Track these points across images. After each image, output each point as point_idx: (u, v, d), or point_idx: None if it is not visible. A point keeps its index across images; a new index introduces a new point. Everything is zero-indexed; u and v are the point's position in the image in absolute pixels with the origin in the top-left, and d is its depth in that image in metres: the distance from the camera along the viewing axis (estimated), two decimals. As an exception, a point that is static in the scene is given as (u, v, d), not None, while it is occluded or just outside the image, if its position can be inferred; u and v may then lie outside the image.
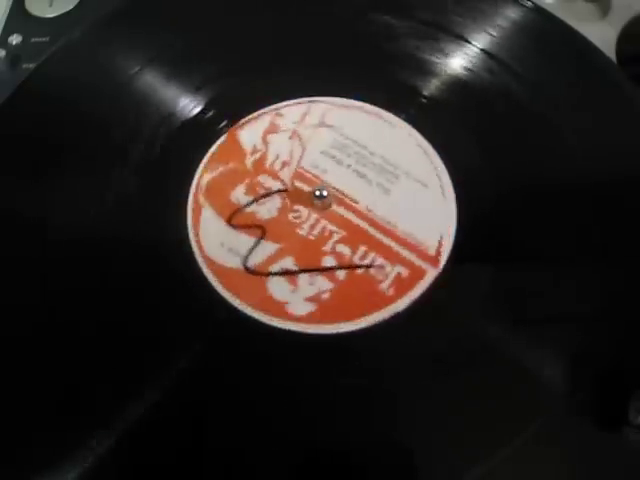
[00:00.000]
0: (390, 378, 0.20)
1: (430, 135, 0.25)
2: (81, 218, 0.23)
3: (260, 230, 0.23)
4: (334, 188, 0.23)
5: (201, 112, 0.26)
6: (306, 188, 0.24)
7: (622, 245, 0.22)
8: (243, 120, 0.25)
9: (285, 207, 0.23)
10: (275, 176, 0.24)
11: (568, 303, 0.21)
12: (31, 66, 0.30)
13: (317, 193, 0.23)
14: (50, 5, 0.34)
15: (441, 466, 0.19)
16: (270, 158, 0.24)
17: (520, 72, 0.26)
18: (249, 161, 0.24)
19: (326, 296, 0.21)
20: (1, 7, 0.34)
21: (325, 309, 0.21)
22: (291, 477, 0.19)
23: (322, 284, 0.22)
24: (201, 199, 0.24)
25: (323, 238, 0.23)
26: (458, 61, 0.26)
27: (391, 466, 0.19)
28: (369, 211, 0.23)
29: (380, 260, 0.22)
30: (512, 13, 0.27)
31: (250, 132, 0.25)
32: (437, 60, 0.26)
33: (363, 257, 0.22)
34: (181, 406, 0.20)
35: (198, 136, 0.25)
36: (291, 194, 0.24)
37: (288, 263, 0.22)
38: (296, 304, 0.21)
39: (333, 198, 0.23)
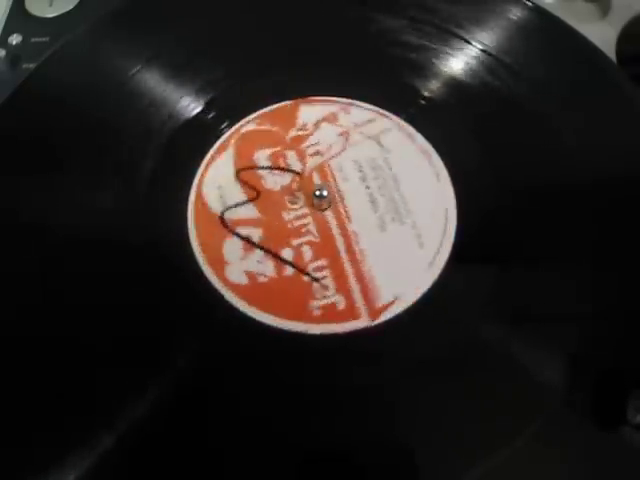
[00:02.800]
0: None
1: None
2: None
3: (255, 194, 0.24)
4: (340, 197, 0.23)
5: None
6: (316, 182, 0.24)
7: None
8: (312, 98, 0.26)
9: (289, 188, 0.24)
10: (302, 158, 0.24)
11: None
12: (31, 66, 0.30)
13: (317, 193, 0.23)
14: (50, 5, 0.34)
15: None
16: (309, 141, 0.25)
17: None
18: (291, 134, 0.25)
19: (262, 280, 0.22)
20: (1, 7, 0.34)
21: (254, 290, 0.21)
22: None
23: (267, 268, 0.22)
24: (232, 141, 0.25)
25: (298, 232, 0.23)
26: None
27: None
28: (354, 234, 0.23)
29: (329, 281, 0.22)
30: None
31: (311, 111, 0.26)
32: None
33: (317, 269, 0.22)
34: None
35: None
36: (302, 180, 0.24)
37: (255, 234, 0.23)
38: (234, 270, 0.22)
39: (332, 205, 0.23)
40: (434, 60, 0.26)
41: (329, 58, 0.27)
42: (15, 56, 0.32)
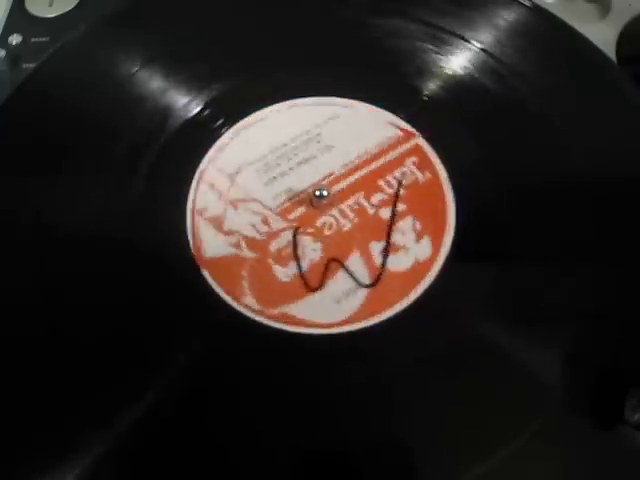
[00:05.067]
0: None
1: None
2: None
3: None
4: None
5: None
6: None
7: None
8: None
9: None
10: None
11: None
12: (31, 66, 0.30)
13: (317, 193, 0.23)
14: (50, 5, 0.34)
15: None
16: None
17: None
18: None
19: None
20: (1, 7, 0.34)
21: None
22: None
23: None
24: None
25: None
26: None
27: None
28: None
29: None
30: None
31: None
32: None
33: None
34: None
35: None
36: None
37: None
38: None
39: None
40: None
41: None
42: (15, 56, 0.32)
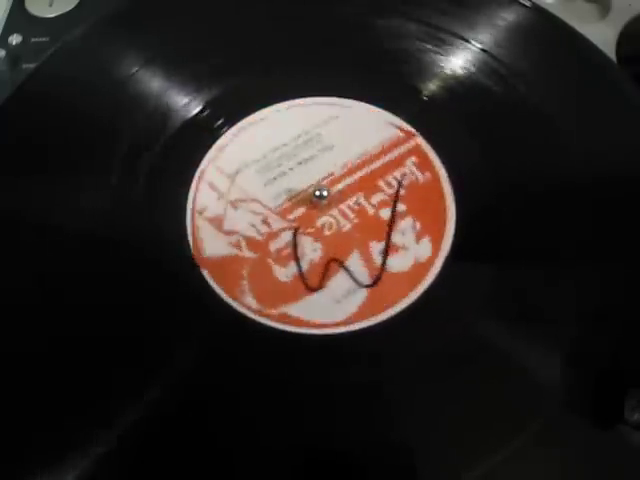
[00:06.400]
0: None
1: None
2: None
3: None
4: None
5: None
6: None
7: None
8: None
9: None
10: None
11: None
12: (31, 66, 0.30)
13: (317, 193, 0.23)
14: (50, 5, 0.34)
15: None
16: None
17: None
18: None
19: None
20: (1, 7, 0.34)
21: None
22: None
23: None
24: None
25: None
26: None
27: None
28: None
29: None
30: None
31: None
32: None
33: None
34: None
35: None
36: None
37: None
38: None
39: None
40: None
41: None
42: (15, 56, 0.32)
